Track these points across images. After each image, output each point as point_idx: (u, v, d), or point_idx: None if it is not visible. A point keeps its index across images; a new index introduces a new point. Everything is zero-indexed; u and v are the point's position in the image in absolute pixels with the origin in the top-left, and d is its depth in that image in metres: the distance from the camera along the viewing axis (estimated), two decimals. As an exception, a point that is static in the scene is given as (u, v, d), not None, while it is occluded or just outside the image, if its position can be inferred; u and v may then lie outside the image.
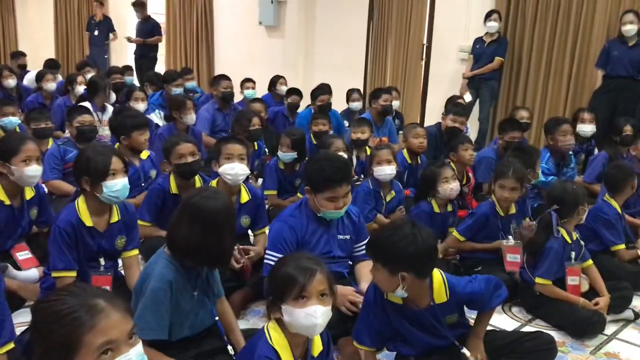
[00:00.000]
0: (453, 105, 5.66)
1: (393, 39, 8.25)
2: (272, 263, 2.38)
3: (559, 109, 6.87)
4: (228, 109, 6.08)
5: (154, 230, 3.34)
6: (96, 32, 9.73)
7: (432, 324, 2.20)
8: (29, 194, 3.15)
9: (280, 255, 2.47)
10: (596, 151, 5.41)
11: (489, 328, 2.39)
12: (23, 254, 3.11)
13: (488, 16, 6.93)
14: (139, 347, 1.36)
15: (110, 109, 5.55)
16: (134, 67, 8.77)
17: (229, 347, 2.20)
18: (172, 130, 4.88)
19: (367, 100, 6.91)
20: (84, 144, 3.83)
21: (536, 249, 3.10)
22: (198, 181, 3.57)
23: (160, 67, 9.98)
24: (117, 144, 4.08)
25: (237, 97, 6.68)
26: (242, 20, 9.74)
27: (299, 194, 4.25)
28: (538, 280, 3.01)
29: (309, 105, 6.60)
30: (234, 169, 3.24)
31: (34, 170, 3.00)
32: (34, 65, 8.46)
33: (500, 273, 3.22)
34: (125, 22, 10.80)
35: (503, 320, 3.04)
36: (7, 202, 3.01)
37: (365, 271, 2.83)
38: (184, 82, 6.68)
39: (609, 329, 3.00)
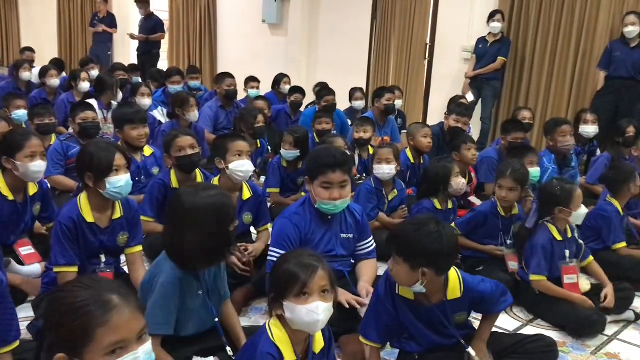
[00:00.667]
0: (456, 106, 5.66)
1: (396, 38, 8.26)
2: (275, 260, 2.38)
3: (562, 110, 6.87)
4: (231, 107, 6.09)
5: (157, 227, 3.34)
6: (101, 29, 9.74)
7: (440, 320, 2.21)
8: (32, 189, 3.15)
9: (283, 252, 2.46)
10: (599, 152, 5.41)
11: (490, 329, 2.40)
12: (26, 249, 3.12)
13: (491, 17, 6.93)
14: (147, 346, 1.36)
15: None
16: (136, 63, 8.79)
17: (228, 349, 2.20)
18: (175, 127, 4.88)
19: (369, 99, 6.92)
20: (87, 140, 3.82)
21: (521, 245, 3.14)
22: (199, 176, 3.59)
23: (163, 64, 10.00)
24: (120, 140, 4.08)
25: (241, 95, 6.69)
26: (245, 18, 9.75)
27: (302, 193, 4.26)
28: (532, 277, 3.02)
29: (312, 104, 6.61)
30: (245, 166, 3.27)
31: (39, 165, 3.01)
32: (37, 62, 8.47)
33: (501, 273, 3.24)
34: (129, 18, 10.82)
35: (504, 321, 3.04)
36: (11, 197, 3.01)
37: (365, 270, 2.84)
38: (182, 81, 6.70)
39: (610, 330, 3.00)
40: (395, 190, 3.92)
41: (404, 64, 8.22)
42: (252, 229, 3.46)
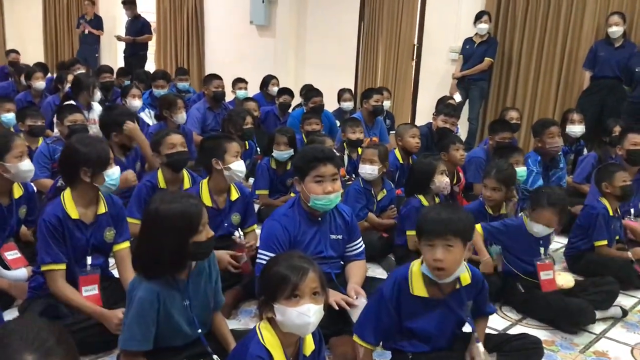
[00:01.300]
0: (444, 106, 5.68)
1: (384, 38, 8.28)
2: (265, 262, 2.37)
3: (549, 110, 6.92)
4: (219, 108, 6.06)
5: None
6: (87, 31, 9.67)
7: (454, 311, 2.22)
8: (17, 192, 3.12)
9: (272, 255, 2.46)
10: (585, 151, 5.45)
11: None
12: (12, 254, 3.07)
13: (478, 18, 6.96)
14: None
15: (97, 107, 5.45)
16: (123, 65, 8.73)
17: (215, 357, 2.17)
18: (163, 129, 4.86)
19: (358, 100, 6.92)
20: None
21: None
22: (187, 177, 3.59)
23: (150, 66, 9.94)
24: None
25: (229, 97, 6.67)
26: (233, 19, 9.72)
27: (291, 194, 4.25)
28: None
29: (299, 105, 6.60)
30: (242, 166, 3.31)
31: (29, 164, 3.01)
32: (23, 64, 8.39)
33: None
34: (116, 20, 10.75)
35: (494, 320, 3.04)
36: (-4, 200, 2.99)
37: (355, 271, 2.83)
38: (167, 84, 6.66)
39: (598, 328, 3.02)
40: (385, 190, 3.92)
41: (392, 65, 8.24)
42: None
